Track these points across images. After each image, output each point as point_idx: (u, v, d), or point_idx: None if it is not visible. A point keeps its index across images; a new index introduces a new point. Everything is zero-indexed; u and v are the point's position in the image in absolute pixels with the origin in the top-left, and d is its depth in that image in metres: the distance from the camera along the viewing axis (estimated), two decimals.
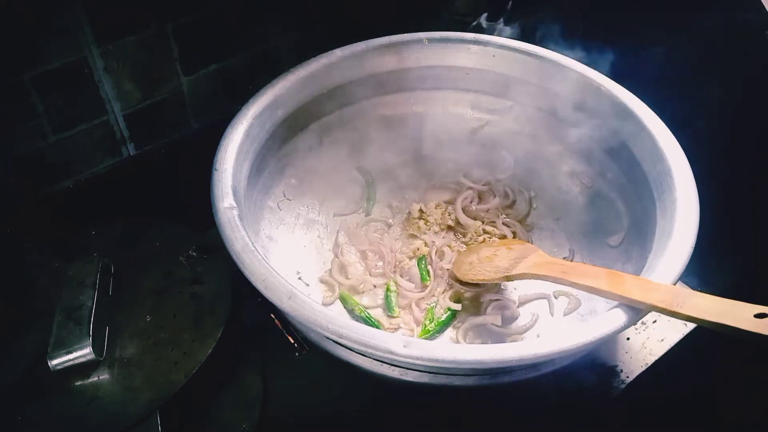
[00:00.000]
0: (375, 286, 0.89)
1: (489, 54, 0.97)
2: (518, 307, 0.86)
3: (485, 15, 1.01)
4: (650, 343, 0.84)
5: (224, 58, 1.01)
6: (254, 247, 0.68)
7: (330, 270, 0.91)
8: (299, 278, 0.87)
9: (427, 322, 0.83)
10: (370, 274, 0.90)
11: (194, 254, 0.77)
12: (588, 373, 0.79)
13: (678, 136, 0.81)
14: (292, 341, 0.77)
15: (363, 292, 0.88)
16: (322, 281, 0.89)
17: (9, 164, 0.86)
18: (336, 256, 0.92)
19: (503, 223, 0.95)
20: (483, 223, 0.96)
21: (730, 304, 0.59)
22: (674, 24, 0.96)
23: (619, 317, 0.63)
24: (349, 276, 0.89)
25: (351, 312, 0.85)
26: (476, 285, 0.86)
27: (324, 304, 0.85)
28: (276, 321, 0.80)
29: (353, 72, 0.96)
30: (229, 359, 0.73)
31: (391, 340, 0.60)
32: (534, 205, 0.99)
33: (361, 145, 1.02)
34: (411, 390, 0.72)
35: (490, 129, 1.04)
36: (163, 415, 0.62)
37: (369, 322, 0.82)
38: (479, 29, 1.00)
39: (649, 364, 0.82)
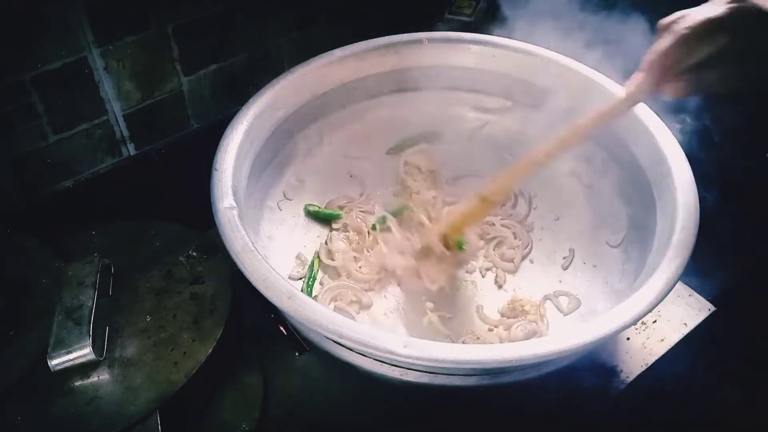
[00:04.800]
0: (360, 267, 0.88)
1: (489, 54, 0.97)
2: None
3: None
4: (650, 343, 0.84)
5: (224, 58, 1.01)
6: (254, 247, 0.68)
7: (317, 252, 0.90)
8: (299, 278, 0.87)
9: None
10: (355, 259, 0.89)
11: (194, 254, 0.77)
12: (588, 373, 0.79)
13: (678, 136, 0.81)
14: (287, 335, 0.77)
15: (347, 276, 0.87)
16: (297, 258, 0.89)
17: (9, 164, 0.86)
18: (325, 242, 0.92)
19: (502, 225, 0.95)
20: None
21: None
22: None
23: (619, 317, 0.63)
24: (335, 258, 0.88)
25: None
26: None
27: (291, 277, 0.86)
28: (276, 321, 0.80)
29: (353, 72, 0.96)
30: (229, 359, 0.73)
31: (391, 340, 0.60)
32: (534, 205, 0.99)
33: (361, 145, 1.02)
34: (411, 390, 0.72)
35: (490, 129, 1.04)
36: (163, 415, 0.62)
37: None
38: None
39: (649, 364, 0.82)
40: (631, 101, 0.67)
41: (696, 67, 0.59)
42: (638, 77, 0.64)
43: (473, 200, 0.81)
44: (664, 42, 0.60)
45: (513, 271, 0.89)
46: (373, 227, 0.91)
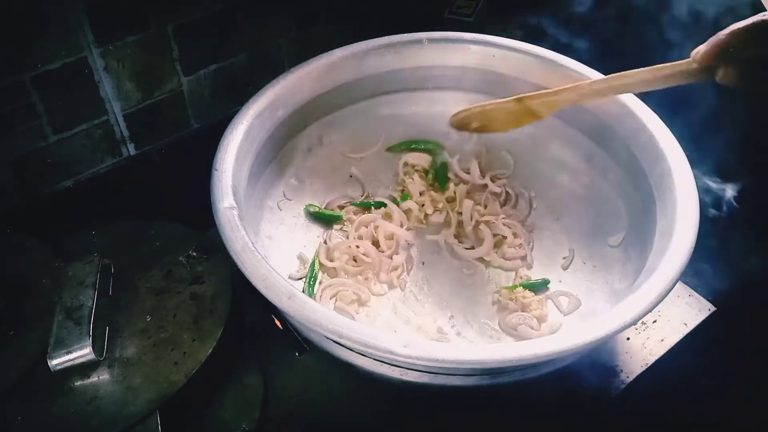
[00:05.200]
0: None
1: (489, 54, 0.97)
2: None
3: None
4: (650, 343, 0.84)
5: (224, 58, 1.01)
6: (254, 247, 0.68)
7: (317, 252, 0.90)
8: (299, 278, 0.87)
9: None
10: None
11: (194, 254, 0.77)
12: (588, 373, 0.79)
13: (678, 135, 0.81)
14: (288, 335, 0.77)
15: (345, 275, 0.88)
16: (299, 258, 0.89)
17: (9, 164, 0.86)
18: (324, 241, 0.92)
19: (504, 224, 0.95)
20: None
21: None
22: (676, 22, 0.96)
23: (619, 317, 0.63)
24: (333, 259, 0.88)
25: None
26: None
27: (291, 277, 0.86)
28: (276, 321, 0.80)
29: (353, 72, 0.96)
30: (229, 359, 0.73)
31: (391, 340, 0.60)
32: (534, 205, 0.99)
33: (361, 145, 1.02)
34: (411, 390, 0.72)
35: None
36: (163, 415, 0.62)
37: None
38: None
39: (649, 365, 0.82)
40: (687, 70, 0.66)
41: (758, 61, 0.60)
42: (700, 49, 0.64)
43: (510, 100, 0.85)
44: (738, 24, 0.60)
45: (530, 267, 0.90)
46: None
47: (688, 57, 0.66)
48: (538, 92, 0.84)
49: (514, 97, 0.86)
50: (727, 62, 0.61)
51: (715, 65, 0.63)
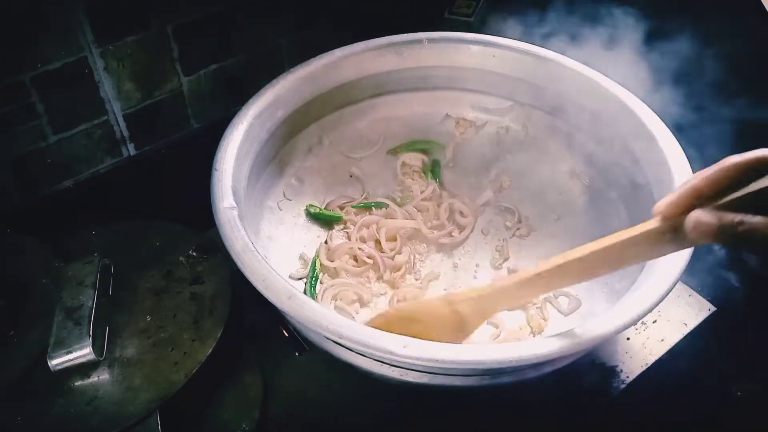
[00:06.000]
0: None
1: (489, 54, 0.97)
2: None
3: None
4: (650, 343, 0.84)
5: (224, 58, 1.01)
6: (254, 247, 0.68)
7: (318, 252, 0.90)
8: (299, 278, 0.87)
9: None
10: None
11: (194, 254, 0.77)
12: (588, 374, 0.79)
13: (678, 135, 0.81)
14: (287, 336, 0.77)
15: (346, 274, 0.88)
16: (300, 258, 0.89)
17: (9, 164, 0.86)
18: (325, 241, 0.92)
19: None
20: None
21: None
22: (676, 22, 0.96)
23: (619, 317, 0.63)
24: (333, 260, 0.88)
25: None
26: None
27: (291, 277, 0.86)
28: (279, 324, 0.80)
29: (353, 72, 0.96)
30: (229, 359, 0.73)
31: (391, 340, 0.60)
32: (533, 205, 0.99)
33: (361, 145, 1.02)
34: (411, 390, 0.72)
35: (490, 129, 1.04)
36: (163, 415, 0.62)
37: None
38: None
39: (649, 365, 0.82)
40: (657, 231, 0.54)
41: (734, 207, 0.48)
42: (662, 202, 0.52)
43: (438, 301, 0.69)
44: (709, 169, 0.50)
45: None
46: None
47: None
48: (466, 292, 0.67)
49: (442, 297, 0.69)
50: (700, 210, 0.49)
51: (682, 219, 0.50)
